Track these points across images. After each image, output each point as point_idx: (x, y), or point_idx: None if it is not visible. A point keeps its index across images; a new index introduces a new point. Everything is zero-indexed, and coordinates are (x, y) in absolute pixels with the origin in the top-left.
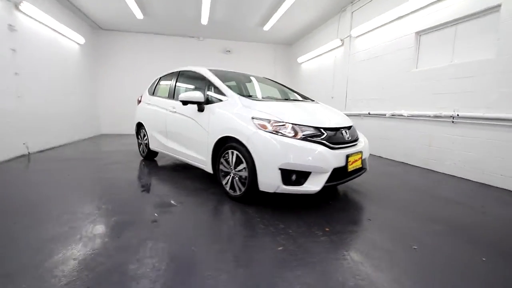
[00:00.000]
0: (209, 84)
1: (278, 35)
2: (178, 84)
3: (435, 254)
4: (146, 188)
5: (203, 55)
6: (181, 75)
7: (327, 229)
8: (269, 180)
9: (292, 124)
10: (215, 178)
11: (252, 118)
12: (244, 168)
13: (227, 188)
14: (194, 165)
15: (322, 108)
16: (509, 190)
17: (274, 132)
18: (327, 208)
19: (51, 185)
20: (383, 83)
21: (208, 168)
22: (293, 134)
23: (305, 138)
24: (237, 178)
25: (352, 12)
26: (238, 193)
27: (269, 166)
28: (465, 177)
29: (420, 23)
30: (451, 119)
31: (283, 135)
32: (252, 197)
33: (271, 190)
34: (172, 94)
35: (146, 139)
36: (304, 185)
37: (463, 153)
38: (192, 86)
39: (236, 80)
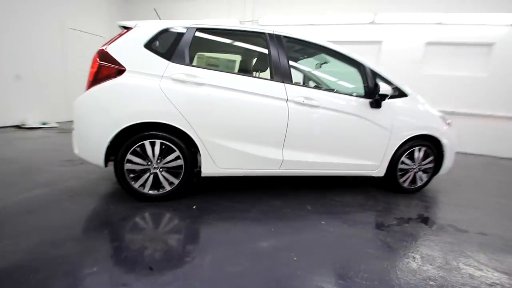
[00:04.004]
0: (372, 75)
1: None
2: (295, 60)
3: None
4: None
5: None
6: (294, 44)
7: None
8: (450, 164)
9: None
10: (339, 183)
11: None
12: (431, 160)
13: (405, 185)
14: (340, 175)
15: None
16: None
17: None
18: None
19: None
20: None
21: (378, 172)
22: None
23: None
24: (420, 172)
25: None
26: (418, 184)
27: (453, 153)
28: None
29: (330, 35)
30: None
31: None
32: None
33: (447, 171)
34: (284, 73)
35: (175, 158)
36: None
37: None
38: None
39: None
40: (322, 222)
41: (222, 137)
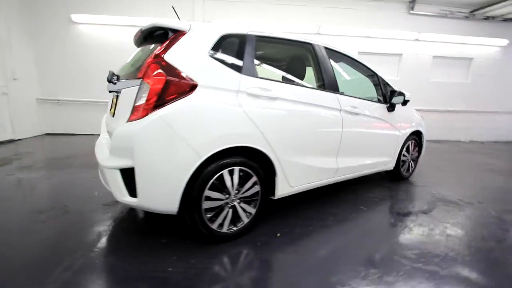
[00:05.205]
0: (381, 82)
1: None
2: (334, 68)
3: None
4: None
5: None
6: (333, 55)
7: None
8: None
9: None
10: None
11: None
12: (417, 150)
13: (404, 173)
14: (365, 174)
15: None
16: None
17: None
18: None
19: None
20: None
21: (390, 166)
22: None
23: None
24: (411, 160)
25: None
26: (410, 170)
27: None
28: None
29: None
30: None
31: None
32: None
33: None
34: (334, 84)
35: (253, 184)
36: None
37: None
38: (351, 77)
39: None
40: (392, 220)
41: (295, 154)
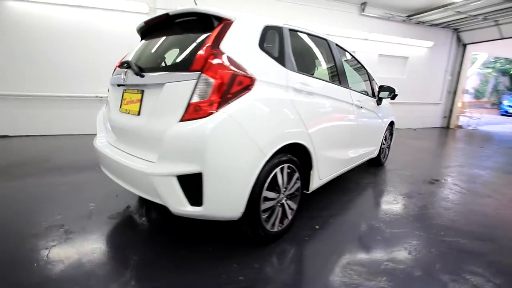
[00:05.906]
0: (370, 78)
1: None
2: (344, 64)
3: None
4: None
5: None
6: (339, 49)
7: None
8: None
9: None
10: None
11: None
12: (391, 138)
13: (382, 159)
14: (360, 163)
15: None
16: None
17: None
18: None
19: None
20: None
21: (375, 154)
22: None
23: None
24: (386, 148)
25: None
26: (386, 157)
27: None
28: None
29: None
30: None
31: None
32: None
33: None
34: (346, 79)
35: (296, 180)
36: None
37: None
38: (352, 72)
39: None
40: (397, 201)
41: (325, 147)
